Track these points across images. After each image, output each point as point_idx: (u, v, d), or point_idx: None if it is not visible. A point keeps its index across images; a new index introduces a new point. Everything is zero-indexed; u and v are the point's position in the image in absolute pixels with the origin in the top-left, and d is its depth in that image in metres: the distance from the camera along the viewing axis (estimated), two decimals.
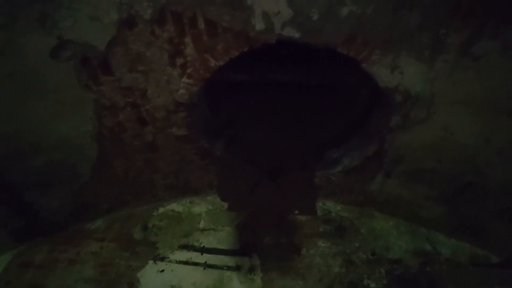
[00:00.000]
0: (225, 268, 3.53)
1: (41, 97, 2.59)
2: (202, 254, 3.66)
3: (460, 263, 3.56)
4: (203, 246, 3.74)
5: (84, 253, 3.65)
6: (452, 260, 3.59)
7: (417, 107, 2.76)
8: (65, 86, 2.58)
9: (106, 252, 3.67)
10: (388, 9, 2.18)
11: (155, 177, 3.76)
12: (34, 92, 2.55)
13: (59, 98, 2.65)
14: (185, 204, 4.19)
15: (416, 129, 2.94)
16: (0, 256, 3.54)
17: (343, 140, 3.81)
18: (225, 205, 4.05)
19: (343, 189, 3.91)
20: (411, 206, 3.72)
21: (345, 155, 3.68)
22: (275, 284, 3.42)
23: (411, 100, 2.71)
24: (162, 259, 3.62)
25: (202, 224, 3.96)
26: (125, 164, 3.45)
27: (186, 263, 3.59)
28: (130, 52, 2.49)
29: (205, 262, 3.58)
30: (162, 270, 3.53)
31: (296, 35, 2.38)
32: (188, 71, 2.67)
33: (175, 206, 4.16)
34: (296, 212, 3.97)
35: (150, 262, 3.60)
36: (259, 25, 2.33)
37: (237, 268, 3.52)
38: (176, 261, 3.61)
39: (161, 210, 4.12)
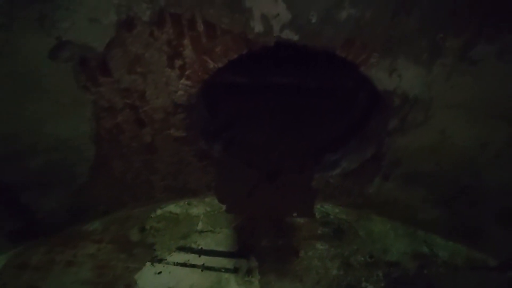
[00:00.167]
0: (223, 270, 3.52)
1: (39, 97, 2.58)
2: (200, 256, 3.65)
3: (457, 266, 3.57)
4: (201, 248, 3.73)
5: (81, 254, 3.63)
6: (449, 263, 3.59)
7: (415, 111, 2.77)
8: (63, 87, 2.58)
9: (103, 254, 3.65)
10: (386, 13, 2.19)
11: (153, 178, 3.75)
12: (32, 93, 2.54)
13: (57, 99, 2.64)
14: (183, 206, 4.18)
15: (414, 132, 2.94)
16: None
17: (342, 143, 3.81)
18: (223, 207, 4.04)
19: (342, 191, 3.92)
20: (409, 209, 3.73)
21: (344, 158, 3.68)
22: (273, 287, 3.41)
23: (409, 103, 2.72)
24: (160, 261, 3.61)
25: (200, 226, 3.95)
26: (123, 165, 3.44)
27: (183, 265, 3.58)
28: (128, 54, 2.49)
29: (203, 264, 3.57)
30: (160, 272, 3.52)
31: (295, 37, 2.39)
32: (187, 72, 2.67)
33: (173, 208, 4.15)
34: (295, 214, 3.97)
35: (148, 264, 3.58)
36: (258, 27, 2.34)
37: (235, 270, 3.51)
38: (174, 263, 3.59)
39: (159, 211, 4.11)
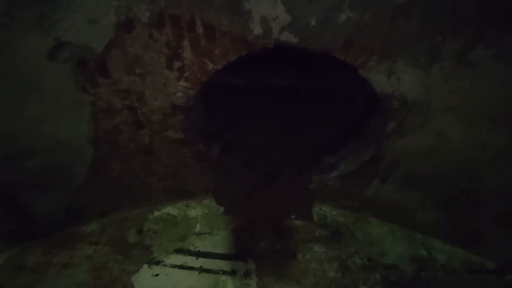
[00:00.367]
0: (221, 272, 3.51)
1: (37, 98, 2.57)
2: (197, 258, 3.63)
3: (455, 269, 3.57)
4: (199, 250, 3.72)
5: (78, 256, 3.61)
6: (447, 266, 3.60)
7: (413, 113, 2.78)
8: (62, 88, 2.57)
9: (100, 256, 3.63)
10: (385, 16, 2.20)
11: (151, 180, 3.74)
12: (31, 93, 2.53)
13: (56, 100, 2.64)
14: (181, 208, 4.17)
15: (413, 134, 2.95)
16: None
17: (340, 145, 3.82)
18: (221, 209, 4.04)
19: (340, 194, 3.92)
20: (407, 211, 3.73)
21: (342, 160, 3.69)
22: None
23: (407, 106, 2.73)
24: (157, 263, 3.59)
25: (197, 228, 3.94)
26: (121, 167, 3.44)
27: (181, 267, 3.56)
28: (127, 55, 2.49)
29: (200, 266, 3.56)
30: (157, 274, 3.50)
31: (294, 40, 2.39)
32: (186, 74, 2.67)
33: (171, 210, 4.14)
34: (293, 216, 3.96)
35: (145, 266, 3.56)
36: (257, 29, 2.35)
37: (233, 273, 3.50)
38: (171, 265, 3.58)
39: (156, 213, 4.09)
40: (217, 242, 3.80)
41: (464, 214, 3.38)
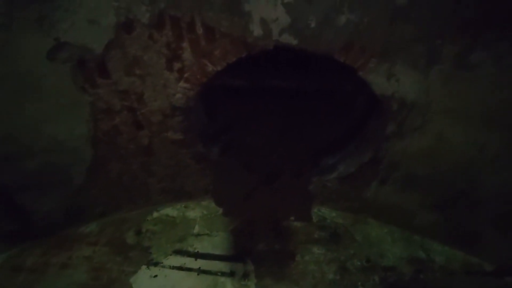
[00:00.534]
0: (219, 274, 3.50)
1: (37, 98, 2.57)
2: (196, 260, 3.62)
3: (453, 271, 3.57)
4: (197, 251, 3.71)
5: (76, 257, 3.60)
6: (446, 268, 3.60)
7: (412, 115, 2.79)
8: (61, 88, 2.57)
9: (99, 257, 3.62)
10: (385, 18, 2.21)
11: (150, 181, 3.74)
12: (30, 93, 2.53)
13: (55, 100, 2.63)
14: (180, 209, 4.16)
15: (412, 136, 2.96)
16: None
17: (340, 147, 3.82)
18: (220, 210, 4.03)
19: (339, 195, 3.92)
20: (406, 213, 3.74)
21: (341, 161, 3.69)
22: None
23: (406, 108, 2.73)
24: (156, 264, 3.59)
25: (196, 229, 3.94)
26: (120, 167, 3.43)
27: (179, 268, 3.55)
28: (127, 56, 2.49)
29: (199, 267, 3.55)
30: (155, 276, 3.49)
31: (294, 41, 2.40)
32: (185, 75, 2.67)
33: (170, 211, 4.13)
34: (292, 218, 3.96)
35: (143, 267, 3.55)
36: (257, 31, 2.35)
37: (231, 274, 3.49)
38: (170, 266, 3.57)
39: (155, 214, 4.09)
40: (216, 243, 3.80)
41: (463, 215, 3.39)
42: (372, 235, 3.91)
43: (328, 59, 2.52)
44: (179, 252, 3.70)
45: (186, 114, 3.06)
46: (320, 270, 3.56)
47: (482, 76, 2.39)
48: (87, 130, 2.95)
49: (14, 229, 3.41)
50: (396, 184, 3.48)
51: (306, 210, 3.93)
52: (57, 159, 3.06)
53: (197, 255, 3.66)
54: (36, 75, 2.43)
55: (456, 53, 2.31)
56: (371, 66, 2.49)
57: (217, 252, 3.71)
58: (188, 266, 3.56)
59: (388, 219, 3.93)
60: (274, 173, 3.86)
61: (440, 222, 3.60)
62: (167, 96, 2.83)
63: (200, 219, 4.05)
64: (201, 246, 3.76)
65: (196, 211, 4.13)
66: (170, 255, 3.67)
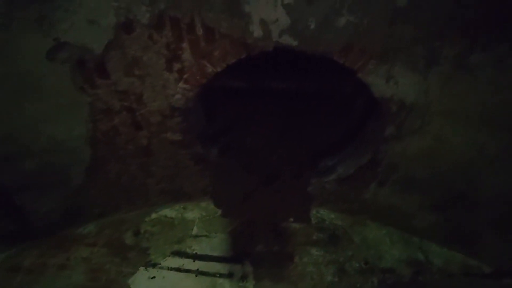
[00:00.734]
0: (218, 275, 3.50)
1: (36, 98, 2.56)
2: (194, 261, 3.62)
3: (452, 273, 3.57)
4: (196, 252, 3.70)
5: (74, 258, 3.59)
6: (444, 269, 3.60)
7: (411, 117, 2.79)
8: (61, 88, 2.56)
9: (97, 258, 3.61)
10: (384, 20, 2.21)
11: (148, 182, 3.73)
12: (30, 94, 2.52)
13: (54, 100, 2.63)
14: (178, 210, 4.15)
15: (411, 138, 2.96)
16: None
17: (339, 148, 3.82)
18: (219, 211, 4.02)
19: (338, 197, 3.92)
20: (404, 215, 3.74)
21: (340, 163, 3.69)
22: None
23: (406, 109, 2.74)
24: (154, 265, 3.58)
25: (195, 231, 3.93)
26: (119, 168, 3.42)
27: (178, 270, 3.55)
28: (127, 56, 2.49)
29: (197, 269, 3.54)
30: (154, 277, 3.48)
31: (294, 43, 2.40)
32: (185, 76, 2.67)
33: (168, 212, 4.12)
34: (291, 219, 3.95)
35: (142, 268, 3.55)
36: (257, 32, 2.35)
37: (230, 276, 3.49)
38: (168, 267, 3.56)
39: (153, 215, 4.08)
40: (214, 244, 3.79)
41: (461, 217, 3.39)
42: (371, 237, 3.91)
43: (327, 60, 2.53)
44: (178, 253, 3.69)
45: (185, 115, 3.06)
46: (318, 272, 3.56)
47: (482, 78, 2.40)
48: (86, 131, 2.95)
49: (12, 229, 3.39)
50: (395, 185, 3.48)
51: (305, 212, 3.93)
52: (56, 160, 3.05)
53: (195, 257, 3.66)
54: (36, 75, 2.42)
55: (455, 54, 2.32)
56: (370, 67, 2.50)
57: (215, 253, 3.70)
58: (187, 268, 3.56)
59: (387, 220, 3.92)
60: (273, 174, 3.86)
61: (439, 224, 3.61)
62: (166, 96, 2.83)
63: (198, 220, 4.04)
64: (199, 247, 3.76)
65: (194, 212, 4.12)
66: (169, 256, 3.66)
